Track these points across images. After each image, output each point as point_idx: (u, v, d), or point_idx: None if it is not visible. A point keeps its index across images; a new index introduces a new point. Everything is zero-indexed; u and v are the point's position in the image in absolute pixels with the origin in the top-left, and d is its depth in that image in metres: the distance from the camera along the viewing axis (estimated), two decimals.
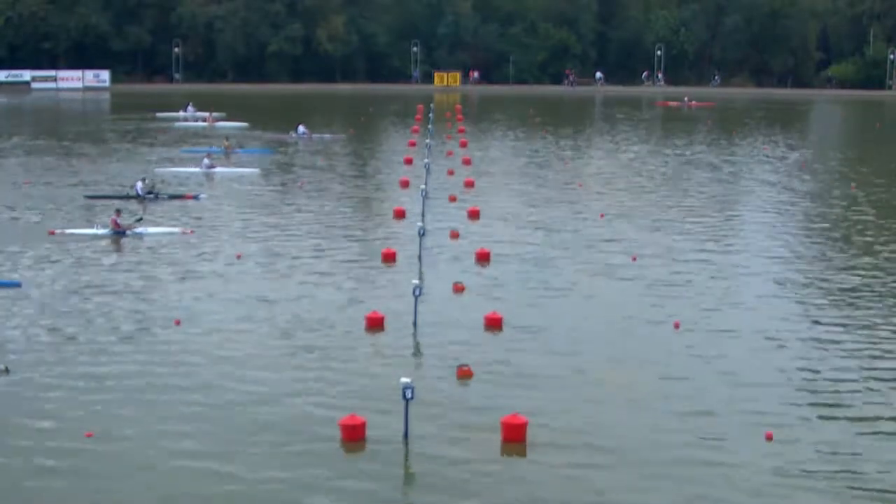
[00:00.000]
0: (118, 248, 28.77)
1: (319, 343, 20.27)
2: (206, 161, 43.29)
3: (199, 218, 32.94)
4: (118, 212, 30.73)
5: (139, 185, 36.28)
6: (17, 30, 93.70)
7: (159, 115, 67.42)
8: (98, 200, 35.54)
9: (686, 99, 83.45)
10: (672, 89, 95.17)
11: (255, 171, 43.43)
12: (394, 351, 19.84)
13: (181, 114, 67.47)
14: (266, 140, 54.65)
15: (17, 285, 24.14)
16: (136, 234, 29.92)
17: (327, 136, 56.34)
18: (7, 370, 18.31)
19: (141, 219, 31.55)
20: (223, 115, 65.11)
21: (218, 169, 43.21)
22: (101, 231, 30.06)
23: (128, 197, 35.76)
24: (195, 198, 36.39)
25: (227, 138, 50.69)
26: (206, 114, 65.32)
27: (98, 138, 56.17)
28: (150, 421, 16.30)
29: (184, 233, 30.41)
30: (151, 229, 30.48)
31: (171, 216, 33.11)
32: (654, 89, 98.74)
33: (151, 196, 35.83)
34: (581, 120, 73.15)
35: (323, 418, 16.32)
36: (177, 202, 35.65)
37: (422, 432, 15.74)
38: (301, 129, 55.75)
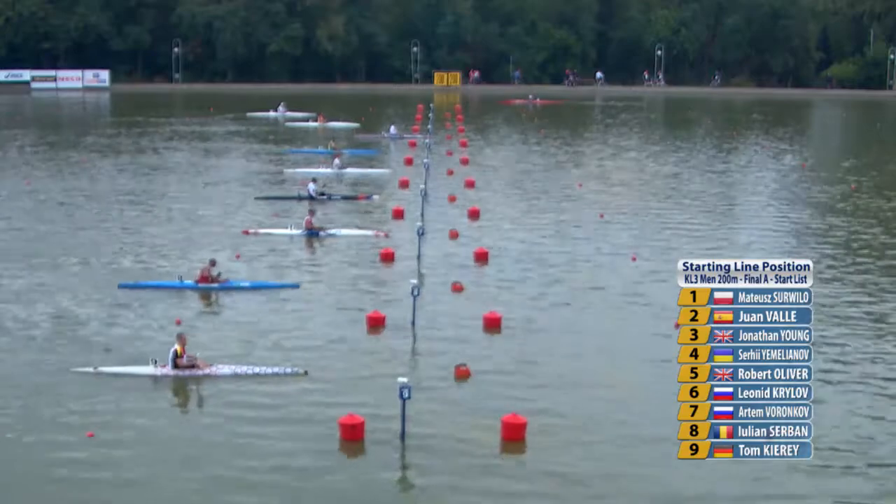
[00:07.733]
0: (315, 248, 28.82)
1: (318, 342, 20.29)
2: (336, 161, 43.25)
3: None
4: (312, 212, 30.59)
5: (311, 185, 36.11)
6: (17, 30, 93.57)
7: (250, 114, 67.88)
8: (269, 201, 35.55)
9: (531, 97, 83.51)
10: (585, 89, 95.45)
11: (386, 171, 43.40)
12: (392, 350, 19.86)
13: (272, 114, 67.92)
14: (360, 141, 54.63)
15: (296, 287, 24.13)
16: (330, 234, 29.76)
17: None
18: (306, 373, 18.39)
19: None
20: (308, 115, 65.20)
21: (349, 170, 43.06)
22: (296, 231, 29.92)
23: (299, 198, 35.54)
24: (368, 198, 36.27)
25: (333, 139, 50.71)
26: (308, 114, 65.33)
27: (208, 138, 56.26)
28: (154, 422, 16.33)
29: (377, 235, 30.13)
30: (344, 231, 30.27)
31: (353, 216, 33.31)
32: (655, 89, 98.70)
33: (324, 197, 35.71)
34: (580, 120, 73.07)
35: (322, 417, 16.34)
36: (349, 203, 35.60)
37: (420, 431, 15.75)
38: (392, 129, 56.33)
